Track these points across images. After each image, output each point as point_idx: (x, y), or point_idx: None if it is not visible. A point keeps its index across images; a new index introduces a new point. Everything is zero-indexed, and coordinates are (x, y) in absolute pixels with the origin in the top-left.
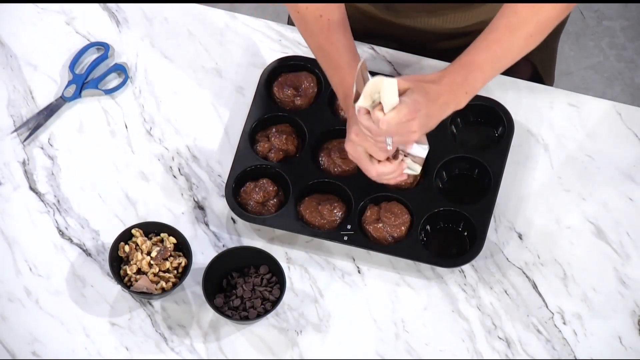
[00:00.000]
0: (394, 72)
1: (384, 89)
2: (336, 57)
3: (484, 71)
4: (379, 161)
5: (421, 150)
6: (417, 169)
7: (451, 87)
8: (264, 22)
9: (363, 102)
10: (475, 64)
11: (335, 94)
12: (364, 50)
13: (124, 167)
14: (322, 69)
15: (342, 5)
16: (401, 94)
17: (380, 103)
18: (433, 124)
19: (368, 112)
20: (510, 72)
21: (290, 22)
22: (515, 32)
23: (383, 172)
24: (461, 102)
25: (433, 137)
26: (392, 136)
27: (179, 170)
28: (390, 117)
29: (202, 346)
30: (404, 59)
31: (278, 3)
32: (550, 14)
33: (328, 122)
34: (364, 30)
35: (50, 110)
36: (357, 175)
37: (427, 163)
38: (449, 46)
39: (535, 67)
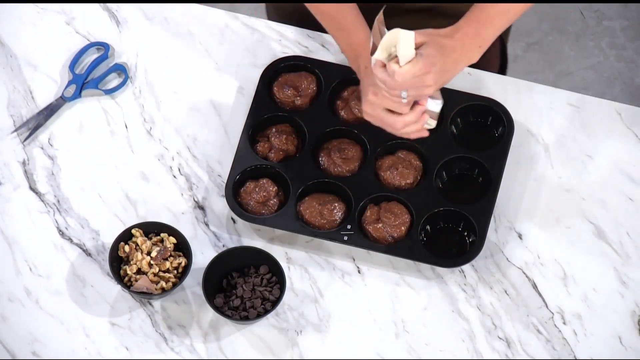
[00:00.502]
0: None
1: (401, 42)
2: (340, 19)
3: (495, 24)
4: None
5: (435, 105)
6: (433, 124)
7: (464, 41)
8: (264, 22)
9: (380, 55)
10: (486, 18)
11: (335, 94)
12: None
13: (124, 167)
14: (329, 33)
15: None
16: (417, 47)
17: (396, 56)
18: (447, 78)
19: (384, 66)
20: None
21: (290, 22)
22: None
23: (410, 121)
24: (474, 57)
25: (433, 137)
26: (407, 89)
27: (179, 170)
28: (405, 70)
29: (202, 346)
30: None
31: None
32: None
33: (328, 122)
34: None
35: (50, 110)
36: (357, 175)
37: (427, 164)
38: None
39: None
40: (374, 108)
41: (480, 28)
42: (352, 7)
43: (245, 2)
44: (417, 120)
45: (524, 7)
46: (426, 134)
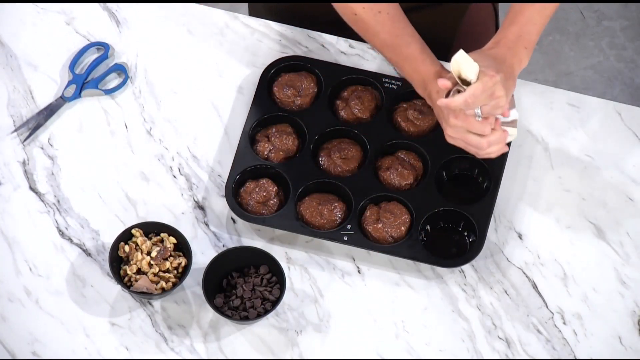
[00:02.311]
0: (394, 72)
1: (462, 64)
2: (405, 49)
3: (534, 23)
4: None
5: (513, 114)
6: (515, 133)
7: (509, 46)
8: (264, 22)
9: (456, 86)
10: (524, 19)
11: (335, 94)
12: (364, 50)
13: (124, 167)
14: (391, 62)
15: None
16: None
17: (466, 80)
18: (511, 84)
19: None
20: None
21: (290, 22)
22: None
23: (495, 140)
24: (523, 59)
25: (433, 137)
26: (480, 106)
27: (179, 170)
28: (474, 88)
29: (202, 346)
30: None
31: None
32: None
33: (328, 122)
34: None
35: (50, 110)
36: (357, 175)
37: (427, 164)
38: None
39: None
40: (457, 131)
41: (519, 31)
42: (415, 35)
43: (245, 2)
44: (501, 140)
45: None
46: (507, 149)
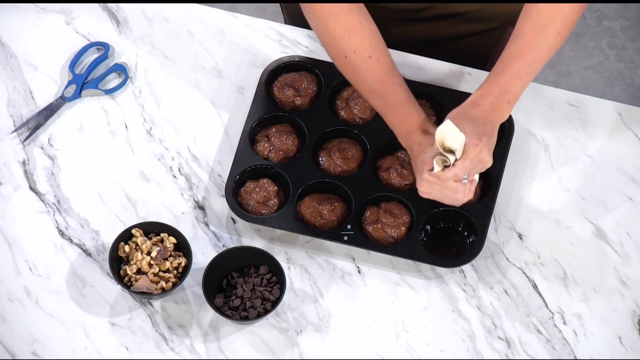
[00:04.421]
0: None
1: (447, 134)
2: (391, 97)
3: (521, 78)
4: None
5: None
6: (477, 178)
7: (492, 102)
8: (264, 22)
9: (437, 166)
10: (511, 74)
11: (335, 94)
12: None
13: (124, 167)
14: (376, 109)
15: (386, 45)
16: None
17: (451, 150)
18: (493, 141)
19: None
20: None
21: (290, 22)
22: (542, 32)
23: (468, 192)
24: (505, 113)
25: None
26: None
27: (179, 170)
28: (462, 164)
29: (202, 346)
30: (403, 58)
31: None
32: (574, 6)
33: (328, 122)
34: None
35: (50, 110)
36: (357, 175)
37: None
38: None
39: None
40: (431, 187)
41: (505, 85)
42: (403, 85)
43: (245, 2)
44: (473, 188)
45: (548, 56)
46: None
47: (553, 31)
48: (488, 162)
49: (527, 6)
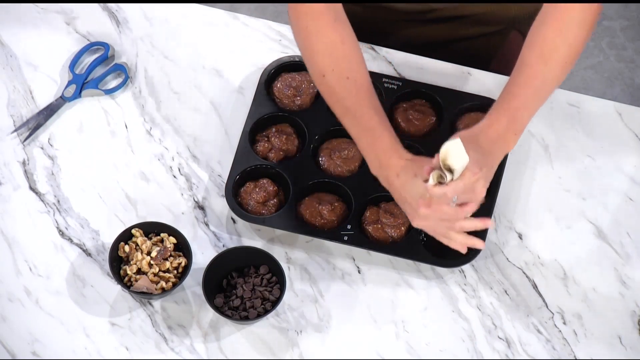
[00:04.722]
0: (394, 72)
1: (451, 152)
2: (366, 120)
3: (528, 108)
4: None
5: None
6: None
7: (499, 133)
8: (264, 22)
9: (432, 180)
10: (517, 104)
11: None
12: (364, 50)
13: (124, 167)
14: (349, 132)
15: (366, 68)
16: None
17: (450, 169)
18: (491, 176)
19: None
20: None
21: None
22: (548, 61)
23: (468, 227)
24: (510, 144)
25: (433, 137)
26: (457, 196)
27: (179, 170)
28: (456, 184)
29: (202, 346)
30: (404, 58)
31: (278, 3)
32: (579, 35)
33: (328, 122)
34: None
35: (50, 110)
36: (357, 175)
37: None
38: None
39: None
40: (428, 219)
41: (512, 116)
42: (378, 109)
43: (245, 2)
44: (472, 225)
45: (554, 85)
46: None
47: (559, 60)
48: (480, 194)
49: (532, 35)
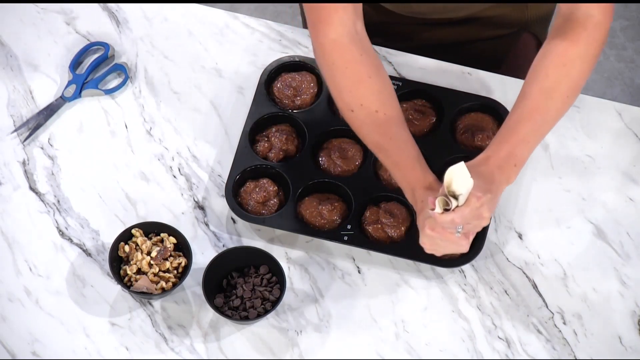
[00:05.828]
0: (395, 72)
1: (456, 176)
2: (396, 153)
3: (528, 142)
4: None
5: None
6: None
7: (499, 164)
8: (264, 22)
9: (438, 208)
10: (518, 137)
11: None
12: None
13: (124, 167)
14: (382, 163)
15: (396, 100)
16: None
17: (455, 194)
18: (494, 203)
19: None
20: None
21: (288, 22)
22: (551, 96)
23: (467, 247)
24: (511, 177)
25: (433, 137)
26: (463, 225)
27: (179, 170)
28: (462, 211)
29: (202, 346)
30: (404, 59)
31: (278, 3)
32: (582, 70)
33: (328, 122)
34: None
35: (50, 110)
36: (357, 175)
37: (427, 164)
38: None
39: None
40: (432, 241)
41: (512, 149)
42: (408, 141)
43: (245, 2)
44: (469, 244)
45: (556, 119)
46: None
47: (561, 96)
48: (485, 219)
49: (535, 68)
